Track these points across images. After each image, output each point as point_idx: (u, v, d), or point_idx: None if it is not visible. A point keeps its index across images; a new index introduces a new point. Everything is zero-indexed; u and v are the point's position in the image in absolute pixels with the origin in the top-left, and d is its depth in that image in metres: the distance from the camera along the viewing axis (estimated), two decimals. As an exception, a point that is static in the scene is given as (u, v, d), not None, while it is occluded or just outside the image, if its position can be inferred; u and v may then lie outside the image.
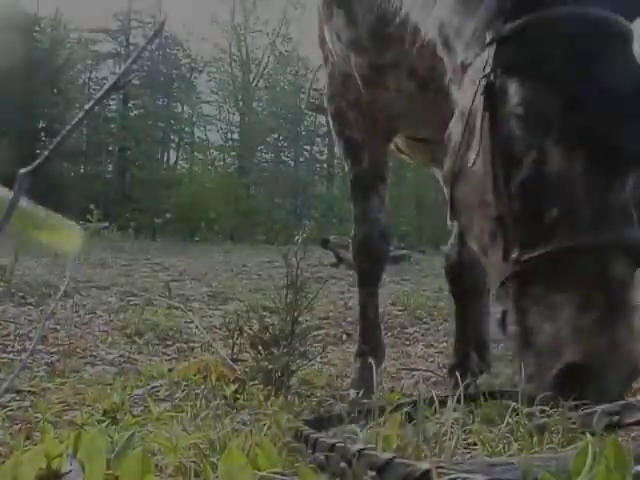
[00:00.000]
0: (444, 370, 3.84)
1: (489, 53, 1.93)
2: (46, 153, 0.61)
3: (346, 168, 3.50)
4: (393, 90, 3.13)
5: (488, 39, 1.93)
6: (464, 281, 3.25)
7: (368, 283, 3.46)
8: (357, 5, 2.99)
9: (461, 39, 2.12)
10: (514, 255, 1.83)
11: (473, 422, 1.90)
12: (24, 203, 0.66)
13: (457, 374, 2.46)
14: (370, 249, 3.37)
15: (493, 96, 1.90)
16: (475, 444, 1.75)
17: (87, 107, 0.65)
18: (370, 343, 3.41)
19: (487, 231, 1.94)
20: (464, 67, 2.10)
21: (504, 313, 1.95)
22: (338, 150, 3.54)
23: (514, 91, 1.85)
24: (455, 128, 2.10)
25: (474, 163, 1.95)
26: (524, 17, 1.86)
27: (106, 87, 0.64)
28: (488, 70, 1.91)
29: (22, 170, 0.62)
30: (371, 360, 2.98)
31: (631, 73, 1.83)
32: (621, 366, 1.74)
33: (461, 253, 3.20)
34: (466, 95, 2.04)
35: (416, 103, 3.16)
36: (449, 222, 2.84)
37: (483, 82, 1.92)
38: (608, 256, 1.77)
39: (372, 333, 3.45)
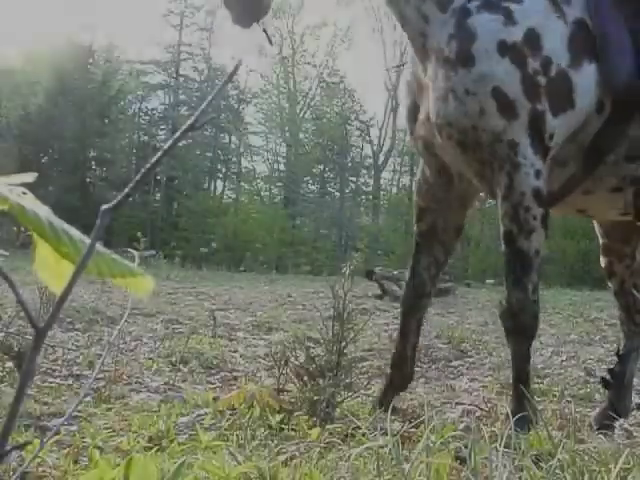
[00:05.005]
0: (488, 404, 3.80)
1: None
2: (126, 190, 0.62)
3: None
4: None
5: None
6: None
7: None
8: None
9: None
10: None
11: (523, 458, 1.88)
12: (100, 247, 0.68)
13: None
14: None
15: None
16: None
17: (165, 147, 0.67)
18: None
19: None
20: None
21: None
22: None
23: None
24: None
25: None
26: None
27: (183, 128, 0.66)
28: None
29: (104, 206, 0.63)
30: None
31: None
32: None
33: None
34: None
35: None
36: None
37: None
38: None
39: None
